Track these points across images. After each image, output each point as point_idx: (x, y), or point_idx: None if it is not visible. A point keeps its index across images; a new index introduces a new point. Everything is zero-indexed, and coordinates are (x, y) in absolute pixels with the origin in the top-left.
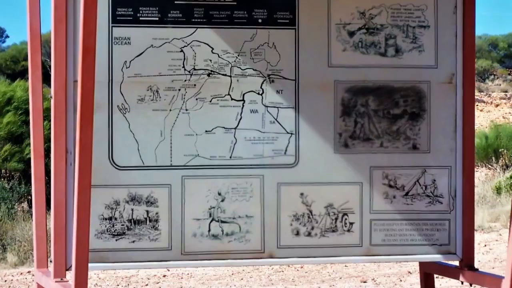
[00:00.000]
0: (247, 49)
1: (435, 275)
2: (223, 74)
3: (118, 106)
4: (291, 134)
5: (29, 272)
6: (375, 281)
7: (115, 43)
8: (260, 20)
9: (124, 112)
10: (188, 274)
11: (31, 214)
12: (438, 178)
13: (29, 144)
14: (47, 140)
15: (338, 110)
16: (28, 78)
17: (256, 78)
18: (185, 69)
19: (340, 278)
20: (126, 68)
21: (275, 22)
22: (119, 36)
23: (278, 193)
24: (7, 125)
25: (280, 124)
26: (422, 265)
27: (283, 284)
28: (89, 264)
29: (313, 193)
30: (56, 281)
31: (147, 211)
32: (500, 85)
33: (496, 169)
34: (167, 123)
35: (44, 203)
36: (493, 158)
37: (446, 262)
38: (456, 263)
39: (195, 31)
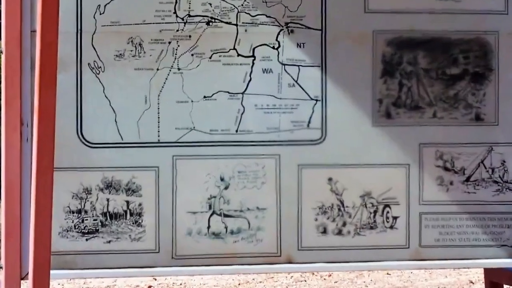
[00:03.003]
0: None
1: (505, 286)
2: (226, 22)
3: (89, 64)
4: (316, 100)
5: None
6: None
7: None
8: None
9: (97, 72)
10: (181, 284)
11: None
12: (509, 158)
13: None
14: None
15: (378, 69)
16: None
17: (270, 27)
18: (177, 16)
19: None
20: (100, 14)
21: None
22: None
23: (299, 178)
24: None
25: (302, 88)
26: (488, 272)
27: None
28: (51, 272)
29: (345, 178)
30: None
31: (127, 202)
32: None
33: None
34: (154, 87)
35: None
36: None
37: None
38: None
39: None
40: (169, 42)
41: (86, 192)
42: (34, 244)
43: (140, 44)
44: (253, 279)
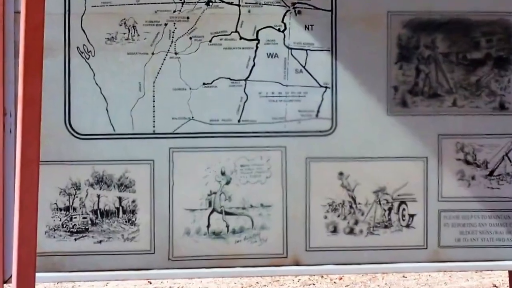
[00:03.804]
0: None
1: None
2: (228, 3)
3: (78, 48)
4: (326, 88)
5: None
6: None
7: None
8: None
9: (87, 56)
10: None
11: None
12: None
13: None
14: None
15: (393, 53)
16: None
17: (276, 8)
18: None
19: None
20: None
21: None
22: None
23: (307, 173)
24: None
25: (310, 74)
26: None
27: None
28: (37, 274)
29: (357, 173)
30: None
31: (120, 198)
32: None
33: None
34: (149, 73)
35: None
36: None
37: None
38: None
39: None
40: (165, 24)
41: (75, 188)
42: (18, 244)
43: (133, 26)
44: (257, 282)
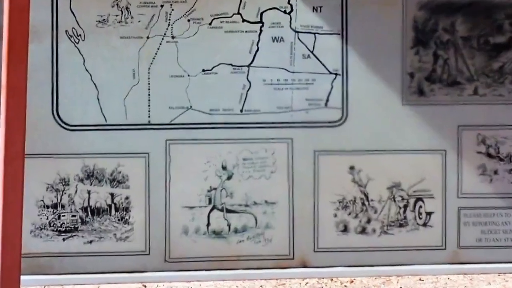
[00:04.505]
0: None
1: None
2: None
3: (66, 31)
4: (336, 75)
5: None
6: None
7: None
8: None
9: (76, 41)
10: None
11: None
12: None
13: None
14: None
15: (409, 37)
16: None
17: None
18: None
19: None
20: None
21: None
22: None
23: (316, 167)
24: None
25: (319, 60)
26: None
27: None
28: (22, 277)
29: (370, 167)
30: None
31: (112, 195)
32: None
33: None
34: (143, 58)
35: None
36: None
37: None
38: None
39: None
40: (162, 6)
41: (63, 183)
42: (1, 244)
43: (127, 8)
44: (261, 286)
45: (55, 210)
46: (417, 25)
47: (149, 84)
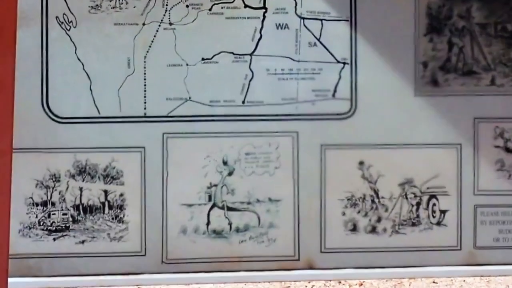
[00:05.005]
0: None
1: None
2: None
3: (57, 17)
4: (344, 64)
5: None
6: None
7: None
8: None
9: (68, 27)
10: None
11: None
12: None
13: None
14: None
15: (422, 24)
16: None
17: None
18: None
19: None
20: None
21: None
22: None
23: (323, 162)
24: None
25: (326, 48)
26: None
27: None
28: (10, 280)
29: (380, 162)
30: None
31: (106, 192)
32: None
33: None
34: (139, 47)
35: None
36: None
37: None
38: None
39: None
40: None
41: (54, 179)
42: None
43: None
44: None
45: (45, 208)
46: (431, 11)
47: (145, 73)
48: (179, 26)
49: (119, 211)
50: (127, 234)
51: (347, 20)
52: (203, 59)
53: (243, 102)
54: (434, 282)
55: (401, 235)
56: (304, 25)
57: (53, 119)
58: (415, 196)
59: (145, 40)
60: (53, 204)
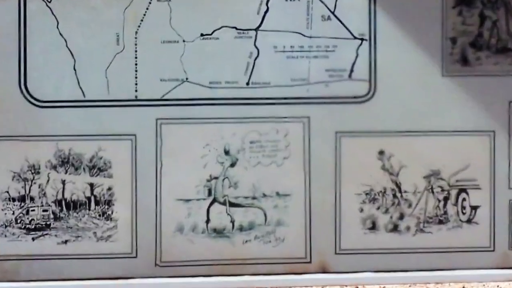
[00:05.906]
0: None
1: None
2: None
3: None
4: (362, 40)
5: None
6: None
7: None
8: None
9: None
10: None
11: None
12: None
13: None
14: None
15: None
16: None
17: None
18: None
19: None
20: None
21: None
22: None
23: (337, 151)
24: None
25: (341, 22)
26: None
27: None
28: None
29: (403, 152)
30: None
31: (92, 185)
32: None
33: None
34: (129, 21)
35: None
36: None
37: None
38: None
39: None
40: None
41: (33, 171)
42: None
43: None
44: None
45: (22, 204)
46: None
47: (136, 51)
48: None
49: (106, 207)
50: (116, 233)
51: None
52: (202, 34)
53: (247, 83)
54: (464, 287)
55: (427, 234)
56: None
57: (32, 103)
58: (442, 190)
59: (136, 13)
60: (32, 199)
